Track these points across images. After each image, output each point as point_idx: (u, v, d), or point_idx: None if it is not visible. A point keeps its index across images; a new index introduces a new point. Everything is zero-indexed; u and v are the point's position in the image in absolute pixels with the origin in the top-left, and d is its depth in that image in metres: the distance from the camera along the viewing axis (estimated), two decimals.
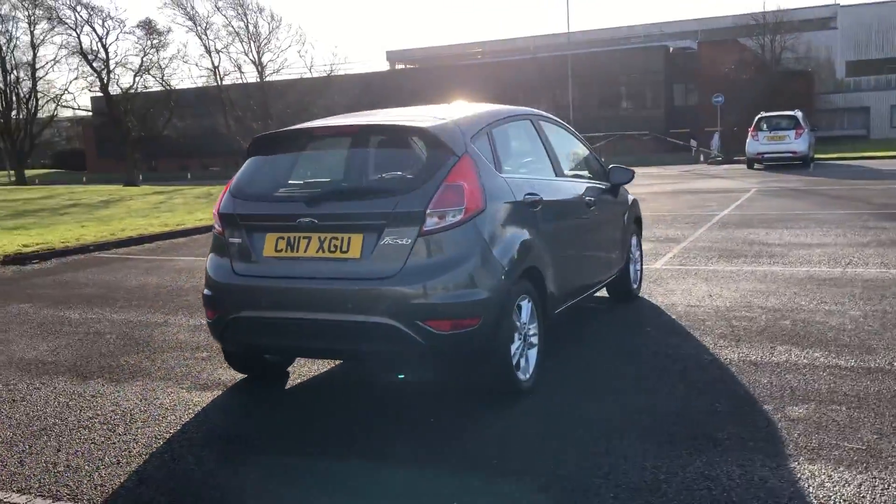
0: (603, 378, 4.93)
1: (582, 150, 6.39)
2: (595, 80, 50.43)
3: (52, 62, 57.75)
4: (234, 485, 3.62)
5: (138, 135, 46.82)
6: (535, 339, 4.77)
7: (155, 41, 46.27)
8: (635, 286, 7.13)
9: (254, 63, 48.53)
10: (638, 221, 7.29)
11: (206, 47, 49.24)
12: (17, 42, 48.50)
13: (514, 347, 4.50)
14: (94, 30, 46.15)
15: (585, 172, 6.31)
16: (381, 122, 4.78)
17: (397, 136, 4.62)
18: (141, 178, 45.38)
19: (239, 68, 53.54)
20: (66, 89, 49.73)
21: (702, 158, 36.21)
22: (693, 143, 40.79)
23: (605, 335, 6.01)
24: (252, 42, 47.94)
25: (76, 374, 5.45)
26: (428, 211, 4.15)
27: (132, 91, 46.71)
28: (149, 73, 46.89)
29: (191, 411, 4.60)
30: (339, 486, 3.54)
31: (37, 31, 47.39)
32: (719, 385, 4.62)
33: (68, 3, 44.57)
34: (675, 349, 5.39)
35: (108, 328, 6.85)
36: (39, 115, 51.32)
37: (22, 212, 20.33)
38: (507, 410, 4.38)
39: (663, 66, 49.75)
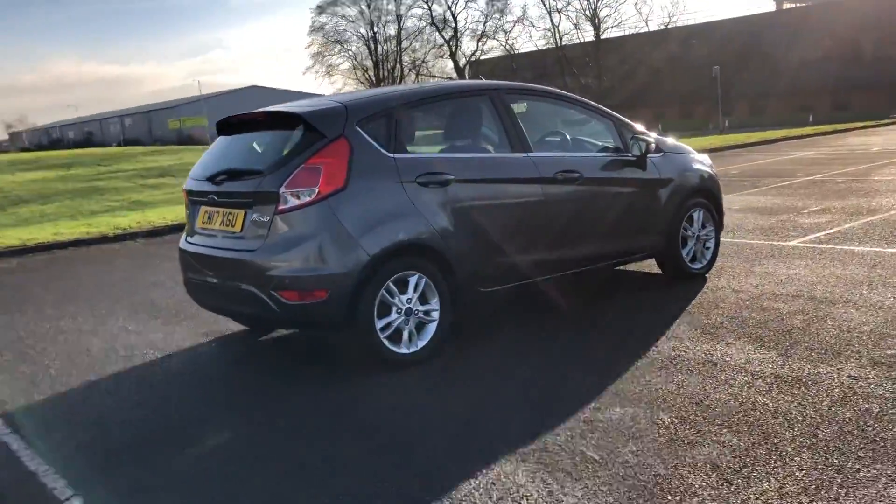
0: (490, 360, 4.87)
1: (585, 122, 6.05)
2: None
3: (415, 33, 64.01)
4: None
5: None
6: (434, 314, 4.87)
7: (500, 4, 48.76)
8: (698, 266, 6.52)
9: (589, 20, 48.75)
10: (706, 195, 6.58)
11: (546, 7, 50.55)
12: (388, 17, 54.13)
13: (386, 321, 4.69)
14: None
15: (589, 145, 6.05)
16: (278, 110, 5.17)
17: (286, 122, 5.01)
18: None
19: (576, 26, 54.18)
20: (423, 59, 54.50)
21: None
22: None
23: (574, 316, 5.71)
24: None
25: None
26: (282, 191, 4.54)
27: (475, 58, 50.01)
28: (493, 38, 49.64)
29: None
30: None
31: (401, 8, 52.79)
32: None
33: None
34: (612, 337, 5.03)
35: None
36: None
37: None
38: (382, 378, 4.63)
39: None
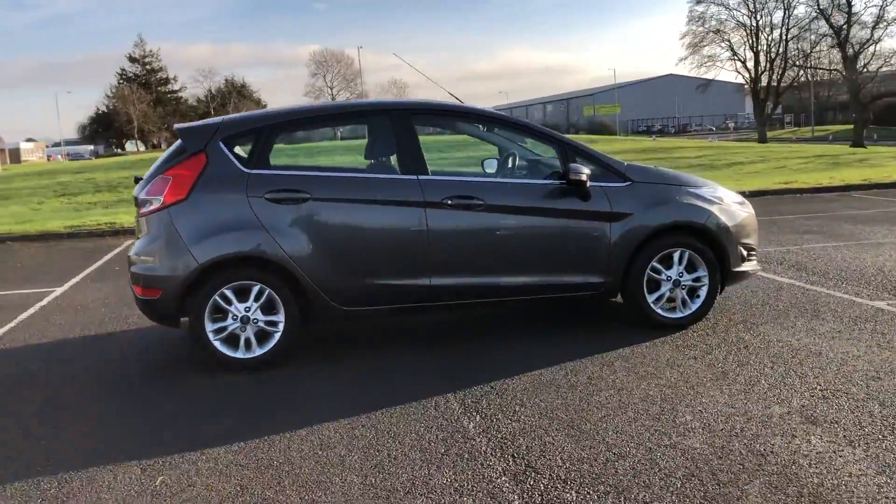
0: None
1: (509, 148, 5.70)
2: None
3: (806, 21, 54.85)
4: None
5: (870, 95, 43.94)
6: (279, 325, 5.10)
7: None
8: (678, 315, 5.62)
9: None
10: (700, 235, 5.58)
11: None
12: (775, 3, 50.03)
13: (221, 325, 5.06)
14: None
15: (528, 171, 5.79)
16: (179, 124, 5.61)
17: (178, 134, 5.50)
18: (875, 137, 43.03)
19: None
20: (810, 50, 49.17)
21: None
22: None
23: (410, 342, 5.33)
24: None
25: None
26: (141, 197, 5.16)
27: (865, 47, 43.85)
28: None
29: None
30: None
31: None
32: None
33: None
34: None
35: None
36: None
37: None
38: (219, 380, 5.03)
39: None
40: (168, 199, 5.07)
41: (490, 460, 3.58)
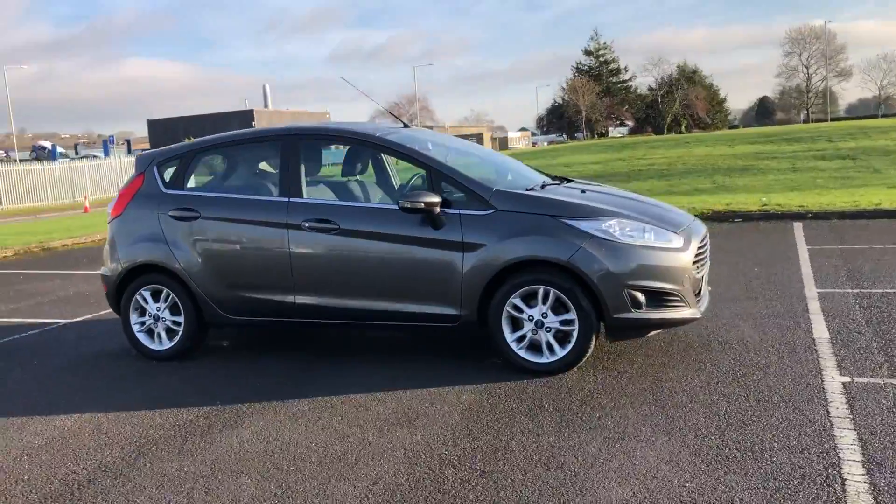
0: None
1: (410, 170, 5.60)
2: None
3: None
4: None
5: None
6: (181, 326, 5.90)
7: None
8: (543, 360, 4.97)
9: None
10: (573, 273, 4.81)
11: None
12: None
13: (141, 320, 6.00)
14: None
15: (375, 196, 5.86)
16: (139, 153, 6.50)
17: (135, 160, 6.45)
18: None
19: None
20: None
21: None
22: None
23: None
24: None
25: None
26: (109, 209, 6.36)
27: None
28: None
29: None
30: None
31: None
32: None
33: None
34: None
35: None
36: None
37: None
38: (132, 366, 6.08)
39: None
40: (113, 213, 6.20)
41: None
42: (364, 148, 5.91)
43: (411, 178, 5.69)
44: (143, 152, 6.72)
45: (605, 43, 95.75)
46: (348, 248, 5.40)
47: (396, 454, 3.87)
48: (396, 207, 5.29)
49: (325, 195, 5.72)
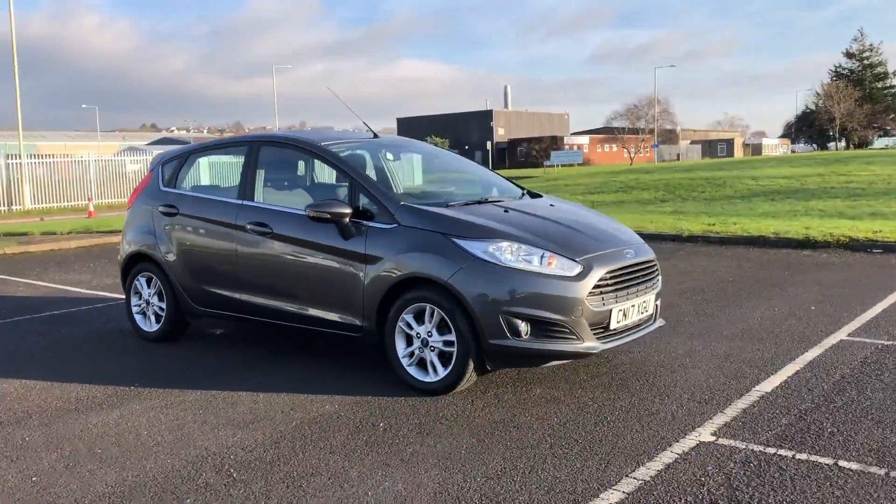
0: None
1: (325, 181, 5.83)
2: None
3: None
4: None
5: None
6: (164, 311, 6.49)
7: None
8: (428, 379, 4.89)
9: None
10: (454, 293, 4.66)
11: None
12: None
13: (136, 302, 6.69)
14: None
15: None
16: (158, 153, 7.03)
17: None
18: None
19: None
20: None
21: None
22: None
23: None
24: None
25: None
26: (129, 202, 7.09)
27: None
28: None
29: None
30: None
31: None
32: None
33: None
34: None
35: None
36: None
37: None
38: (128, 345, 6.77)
39: None
40: (128, 205, 6.92)
41: None
42: (306, 155, 6.08)
43: (338, 188, 5.77)
44: (160, 153, 7.42)
45: (871, 45, 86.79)
46: (276, 252, 5.64)
47: (182, 453, 4.05)
48: (301, 212, 5.46)
49: (271, 199, 5.96)
